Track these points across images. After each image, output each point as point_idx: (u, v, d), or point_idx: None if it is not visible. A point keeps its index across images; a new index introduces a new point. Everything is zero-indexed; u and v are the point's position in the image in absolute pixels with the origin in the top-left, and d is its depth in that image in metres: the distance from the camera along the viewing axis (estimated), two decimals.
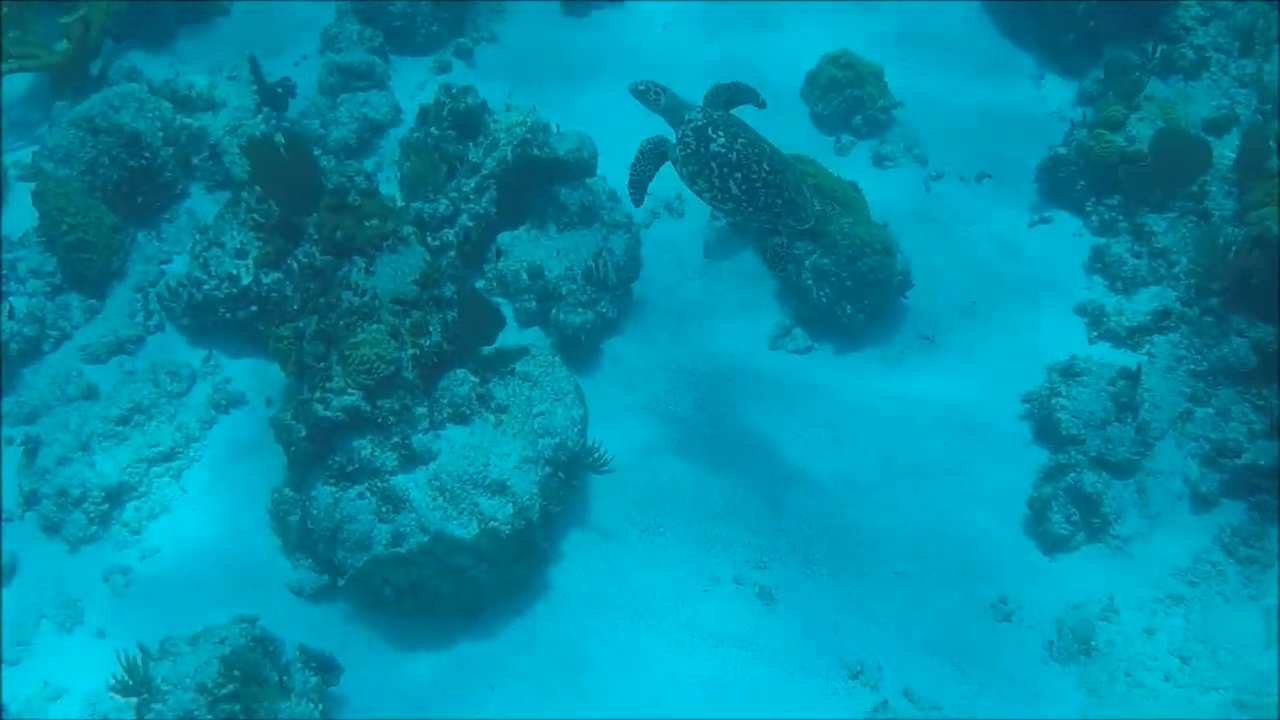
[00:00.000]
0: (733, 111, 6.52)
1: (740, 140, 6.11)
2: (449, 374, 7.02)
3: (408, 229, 7.33)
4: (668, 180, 8.99)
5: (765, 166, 6.11)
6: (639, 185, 6.39)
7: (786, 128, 9.39)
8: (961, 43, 10.34)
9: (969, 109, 9.84)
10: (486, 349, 7.29)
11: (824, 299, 8.20)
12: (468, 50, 9.87)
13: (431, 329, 7.05)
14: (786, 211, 6.19)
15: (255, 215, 7.73)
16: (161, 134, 8.45)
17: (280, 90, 9.02)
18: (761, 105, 6.70)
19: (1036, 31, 10.21)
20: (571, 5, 10.23)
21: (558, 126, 8.41)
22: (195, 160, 8.64)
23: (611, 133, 8.31)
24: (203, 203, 8.62)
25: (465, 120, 8.47)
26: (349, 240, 7.22)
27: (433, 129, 8.49)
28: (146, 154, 8.26)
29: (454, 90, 8.53)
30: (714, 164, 6.10)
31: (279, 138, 7.44)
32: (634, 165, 6.34)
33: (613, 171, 8.45)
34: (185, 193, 8.62)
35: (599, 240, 8.14)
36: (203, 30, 10.02)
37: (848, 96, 9.41)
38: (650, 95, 6.35)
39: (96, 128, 8.27)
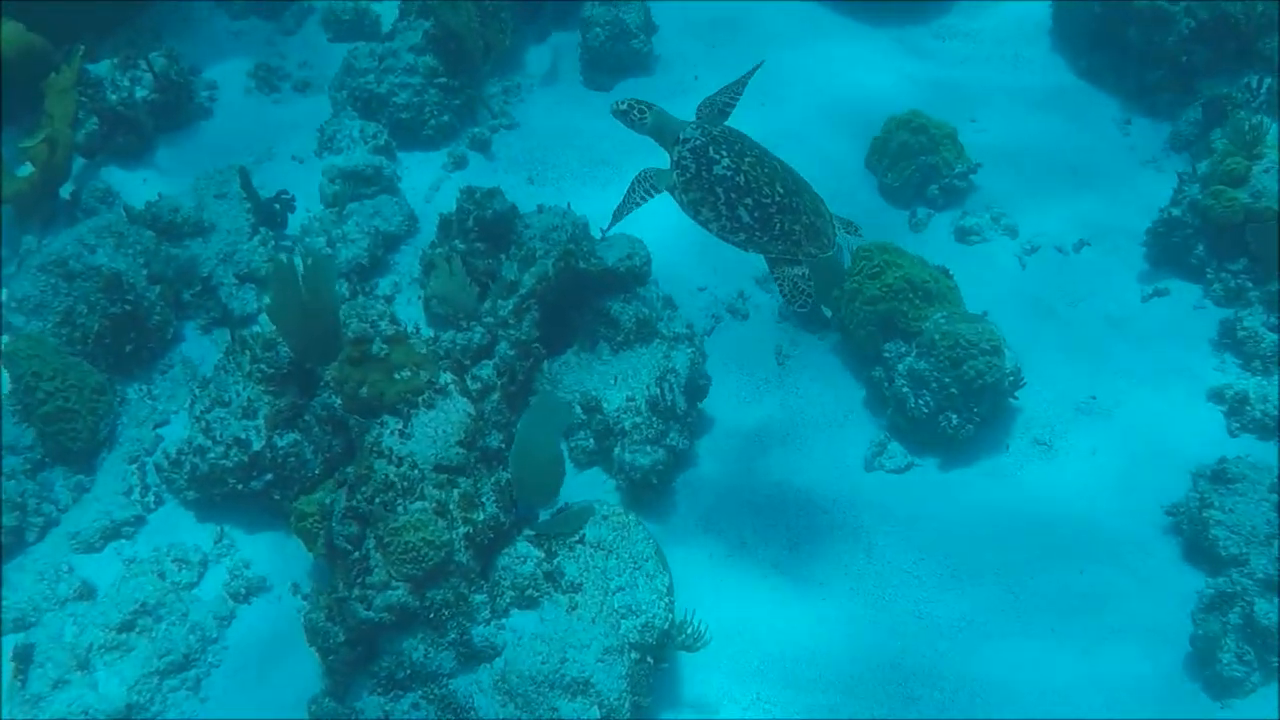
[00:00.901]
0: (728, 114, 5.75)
1: (748, 159, 5.32)
2: (509, 549, 5.91)
3: (445, 377, 6.19)
4: (726, 276, 8.00)
5: (779, 189, 5.32)
6: (619, 215, 5.53)
7: (852, 202, 8.34)
8: (1032, 88, 9.27)
9: (1053, 165, 8.75)
10: (546, 511, 6.14)
11: (924, 409, 7.07)
12: (484, 140, 8.76)
13: (484, 498, 5.92)
14: (807, 239, 5.39)
15: (262, 365, 6.58)
16: (146, 270, 7.30)
17: (278, 206, 7.88)
18: (738, 93, 5.70)
19: (1115, 69, 9.11)
20: (594, 78, 9.12)
21: (603, 232, 7.27)
22: (187, 296, 7.49)
23: (655, 226, 7.31)
24: (199, 346, 7.48)
25: (494, 229, 7.36)
26: (377, 398, 6.07)
27: (457, 242, 7.37)
28: (130, 297, 7.12)
29: (478, 195, 7.41)
30: (720, 189, 5.30)
31: (299, 261, 6.30)
32: (625, 197, 5.53)
33: (662, 273, 7.37)
34: (178, 335, 7.48)
35: (660, 360, 7.01)
36: (184, 137, 8.91)
37: (921, 164, 8.30)
38: (634, 115, 5.52)
39: (71, 272, 7.15)
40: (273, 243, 7.79)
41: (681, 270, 7.89)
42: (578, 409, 6.95)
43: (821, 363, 7.68)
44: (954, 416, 7.07)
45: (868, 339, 7.35)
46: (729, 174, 5.28)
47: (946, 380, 7.01)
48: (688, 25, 9.62)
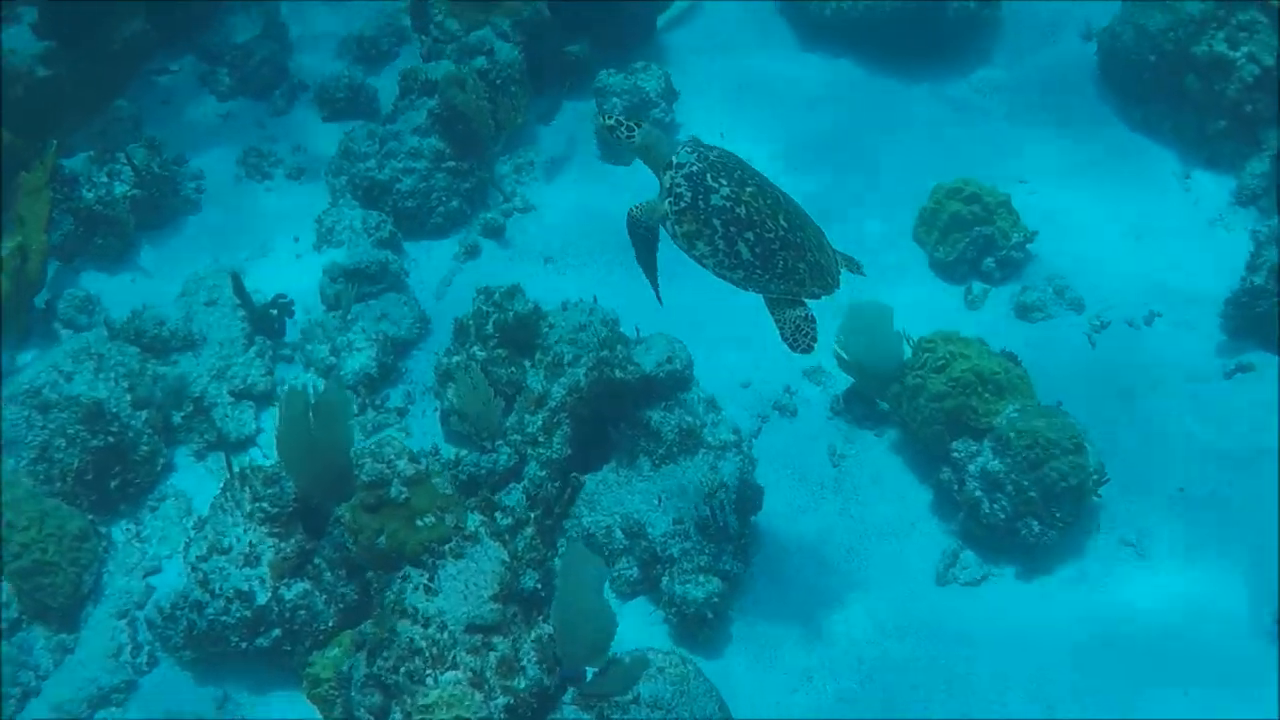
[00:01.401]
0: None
1: (749, 189, 4.88)
2: (554, 715, 5.15)
3: (473, 519, 5.46)
4: (771, 370, 7.28)
5: (782, 222, 4.90)
6: (651, 274, 5.23)
7: (903, 278, 7.63)
8: (1084, 143, 8.59)
9: (1113, 227, 8.07)
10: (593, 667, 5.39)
11: (1000, 514, 6.35)
12: (497, 226, 8.06)
13: (524, 660, 5.18)
14: (812, 278, 4.97)
15: (264, 504, 5.85)
16: (130, 394, 6.56)
17: (274, 311, 7.16)
18: None
19: (1173, 120, 8.44)
20: (613, 151, 8.42)
21: (637, 330, 6.57)
22: (177, 419, 6.76)
23: (692, 315, 6.77)
24: (192, 475, 6.74)
25: (516, 333, 6.65)
26: (398, 549, 5.33)
27: (476, 349, 6.65)
28: (114, 428, 6.40)
29: (496, 295, 6.71)
30: (717, 222, 4.85)
31: (312, 391, 5.59)
32: (636, 252, 5.16)
33: (704, 373, 6.67)
34: (169, 465, 6.74)
35: (707, 473, 6.28)
36: (168, 235, 8.20)
37: (975, 236, 7.60)
38: (621, 131, 5.07)
39: (46, 403, 6.42)
40: (270, 353, 7.07)
41: (722, 359, 7.17)
42: (619, 534, 6.22)
43: (881, 463, 6.96)
44: (1034, 523, 6.36)
45: (934, 438, 6.63)
46: (728, 205, 4.82)
47: (1025, 483, 6.30)
48: (711, 91, 8.94)
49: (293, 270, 7.95)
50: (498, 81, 8.23)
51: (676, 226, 4.90)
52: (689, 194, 4.86)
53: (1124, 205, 8.18)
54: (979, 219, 7.62)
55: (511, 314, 6.65)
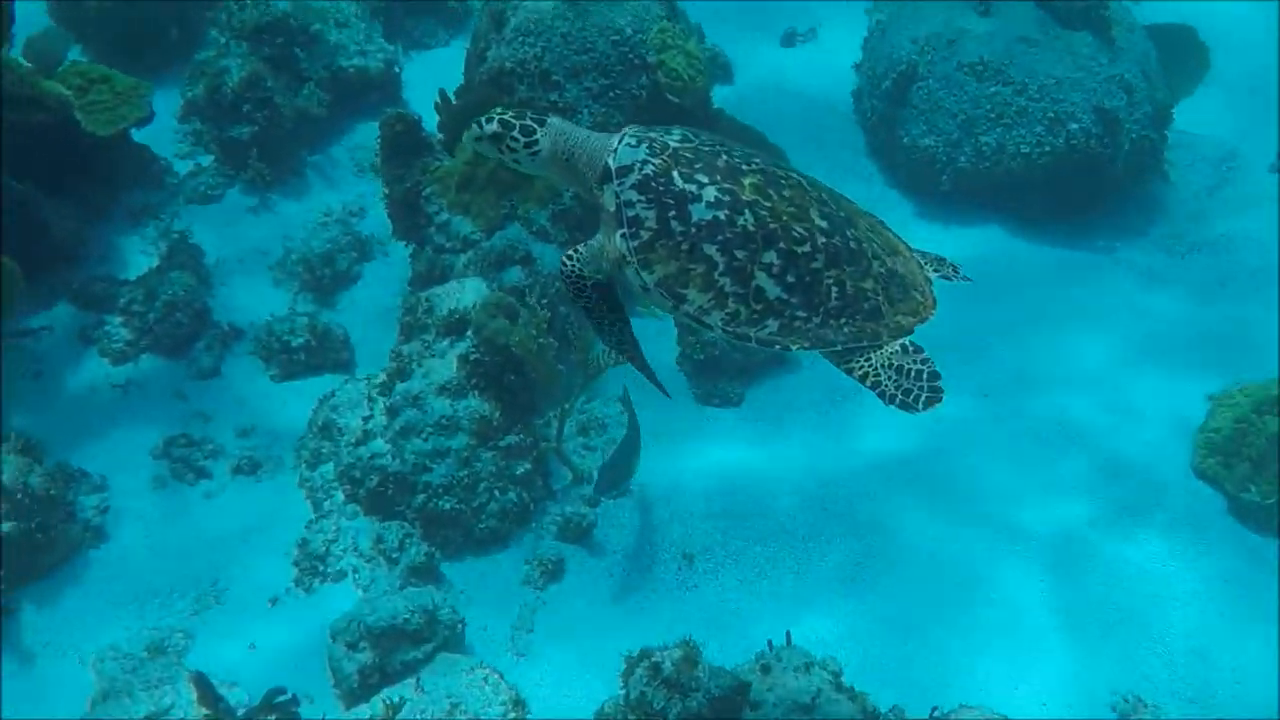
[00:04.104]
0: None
1: (749, 179, 3.04)
2: None
3: None
4: None
5: (818, 221, 3.05)
6: (633, 351, 3.28)
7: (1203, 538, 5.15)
8: None
9: None
10: None
11: None
12: (581, 523, 5.37)
13: None
14: (889, 301, 3.09)
15: None
16: None
17: None
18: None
19: None
20: (708, 383, 5.84)
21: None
22: None
23: None
24: None
25: None
26: None
27: None
28: None
29: (668, 667, 4.02)
30: (712, 247, 2.98)
31: None
32: (599, 333, 3.29)
33: None
34: None
35: None
36: (62, 585, 5.43)
37: None
38: (508, 140, 3.16)
39: None
40: None
41: None
42: None
43: None
44: None
45: None
46: (724, 214, 2.98)
47: None
48: None
49: (270, 627, 5.09)
50: (545, 302, 5.57)
51: (644, 272, 3.01)
52: (653, 212, 2.99)
53: None
54: None
55: (701, 696, 3.88)
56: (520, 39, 6.14)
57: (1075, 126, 6.35)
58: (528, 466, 5.36)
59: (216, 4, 8.12)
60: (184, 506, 5.65)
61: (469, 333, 5.36)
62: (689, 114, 6.04)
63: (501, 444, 5.29)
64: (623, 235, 3.01)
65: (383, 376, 5.52)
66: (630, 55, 6.07)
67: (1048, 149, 6.41)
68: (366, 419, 5.48)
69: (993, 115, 6.43)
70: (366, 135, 7.42)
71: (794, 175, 3.13)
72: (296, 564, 5.28)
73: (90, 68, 6.90)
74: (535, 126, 3.15)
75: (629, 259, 3.01)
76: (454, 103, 6.20)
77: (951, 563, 5.21)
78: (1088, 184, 6.54)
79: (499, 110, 3.17)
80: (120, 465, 5.76)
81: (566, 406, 5.44)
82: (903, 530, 5.37)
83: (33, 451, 5.40)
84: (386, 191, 6.26)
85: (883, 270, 3.09)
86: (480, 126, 3.14)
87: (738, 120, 6.47)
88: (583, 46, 6.02)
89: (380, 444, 5.34)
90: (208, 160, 7.22)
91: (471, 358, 5.31)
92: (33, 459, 5.36)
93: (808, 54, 7.63)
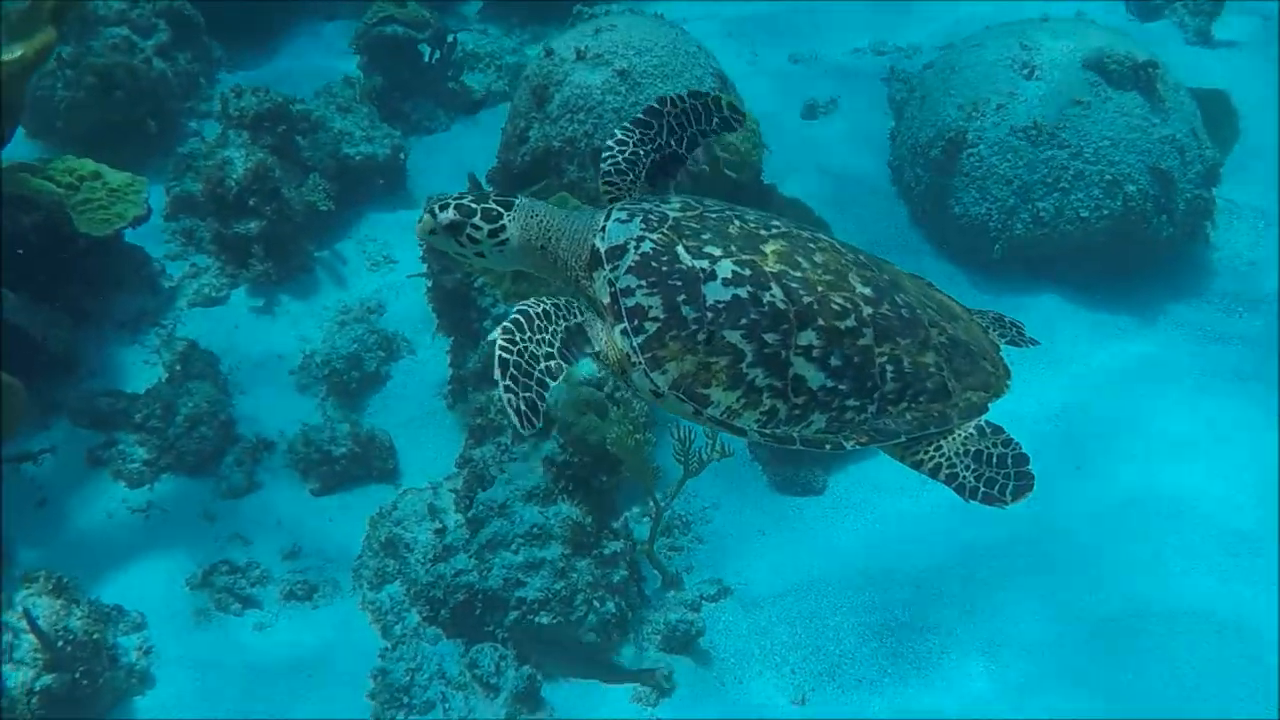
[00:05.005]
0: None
1: (772, 245, 2.58)
2: None
3: None
4: None
5: (860, 289, 2.58)
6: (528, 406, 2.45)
7: None
8: None
9: None
10: None
11: None
12: (688, 633, 4.96)
13: None
14: (957, 377, 2.62)
15: None
16: None
17: None
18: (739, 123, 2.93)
19: None
20: (789, 471, 5.48)
21: None
22: None
23: None
24: None
25: None
26: None
27: None
28: None
29: None
30: (736, 334, 2.48)
31: None
32: (512, 386, 2.42)
33: None
34: None
35: None
36: None
37: None
38: (469, 229, 2.63)
39: None
40: None
41: None
42: None
43: None
44: None
45: None
46: (745, 290, 2.50)
47: None
48: None
49: None
50: (618, 395, 5.18)
51: (654, 374, 2.51)
52: (658, 299, 2.51)
53: None
54: None
55: None
56: (568, 115, 5.81)
57: (1133, 188, 6.22)
58: (624, 573, 4.92)
59: (195, 95, 7.68)
60: (234, 641, 5.10)
61: (553, 432, 4.93)
62: (745, 189, 5.75)
63: (597, 551, 4.85)
64: (623, 331, 2.52)
65: (459, 485, 5.05)
66: None
67: (1105, 212, 6.26)
68: (440, 532, 5.00)
69: (1049, 180, 6.28)
70: (375, 226, 7.02)
71: (823, 238, 2.68)
72: (373, 696, 4.75)
73: (80, 163, 6.37)
74: (500, 210, 2.65)
75: (634, 359, 2.51)
76: (488, 189, 5.83)
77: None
78: (1142, 246, 6.40)
79: (453, 195, 2.67)
80: (153, 599, 5.18)
81: (661, 505, 5.02)
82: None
83: (67, 591, 4.81)
84: (430, 284, 5.83)
85: (943, 340, 2.65)
86: (433, 216, 2.63)
87: (785, 195, 6.21)
88: None
89: (464, 559, 4.86)
90: (204, 260, 6.71)
91: (559, 460, 4.88)
92: (68, 599, 4.77)
93: (833, 126, 7.43)
